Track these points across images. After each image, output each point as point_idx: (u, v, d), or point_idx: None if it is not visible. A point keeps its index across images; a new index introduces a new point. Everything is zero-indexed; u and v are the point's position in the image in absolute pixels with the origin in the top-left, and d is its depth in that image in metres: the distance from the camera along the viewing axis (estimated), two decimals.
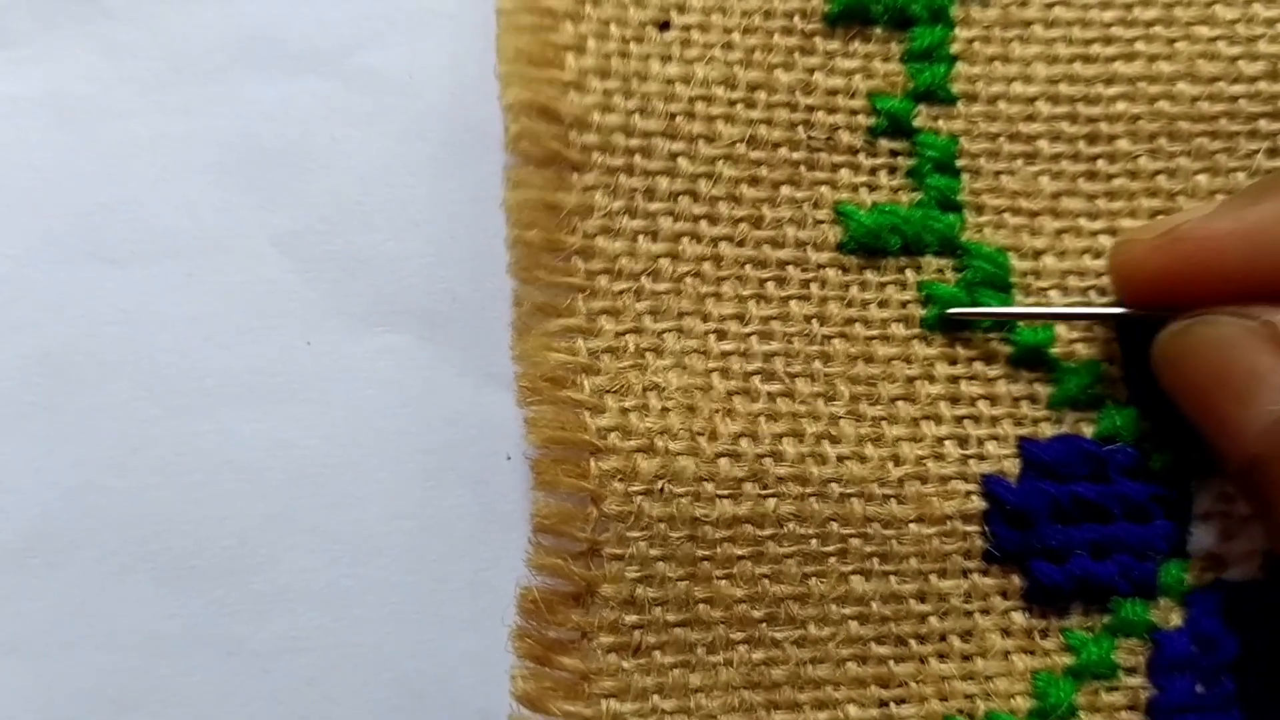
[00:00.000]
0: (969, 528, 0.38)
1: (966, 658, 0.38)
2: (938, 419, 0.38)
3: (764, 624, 0.37)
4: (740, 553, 0.37)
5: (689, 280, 0.38)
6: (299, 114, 0.40)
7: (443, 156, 0.40)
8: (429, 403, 0.39)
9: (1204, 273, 0.35)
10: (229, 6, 0.40)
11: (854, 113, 0.40)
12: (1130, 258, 0.37)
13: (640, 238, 0.38)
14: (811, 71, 0.40)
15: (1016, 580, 0.38)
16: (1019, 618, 0.38)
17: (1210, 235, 0.35)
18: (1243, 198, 0.36)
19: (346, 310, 0.39)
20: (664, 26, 0.39)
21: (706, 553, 0.36)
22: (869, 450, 0.38)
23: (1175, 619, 0.38)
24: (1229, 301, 0.35)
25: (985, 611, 0.38)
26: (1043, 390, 0.39)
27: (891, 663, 0.38)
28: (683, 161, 0.39)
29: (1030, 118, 0.40)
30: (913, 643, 0.38)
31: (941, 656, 0.38)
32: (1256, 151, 0.40)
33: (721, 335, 0.38)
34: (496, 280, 0.38)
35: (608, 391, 0.37)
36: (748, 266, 0.39)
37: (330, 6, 0.41)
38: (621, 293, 0.38)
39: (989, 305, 0.39)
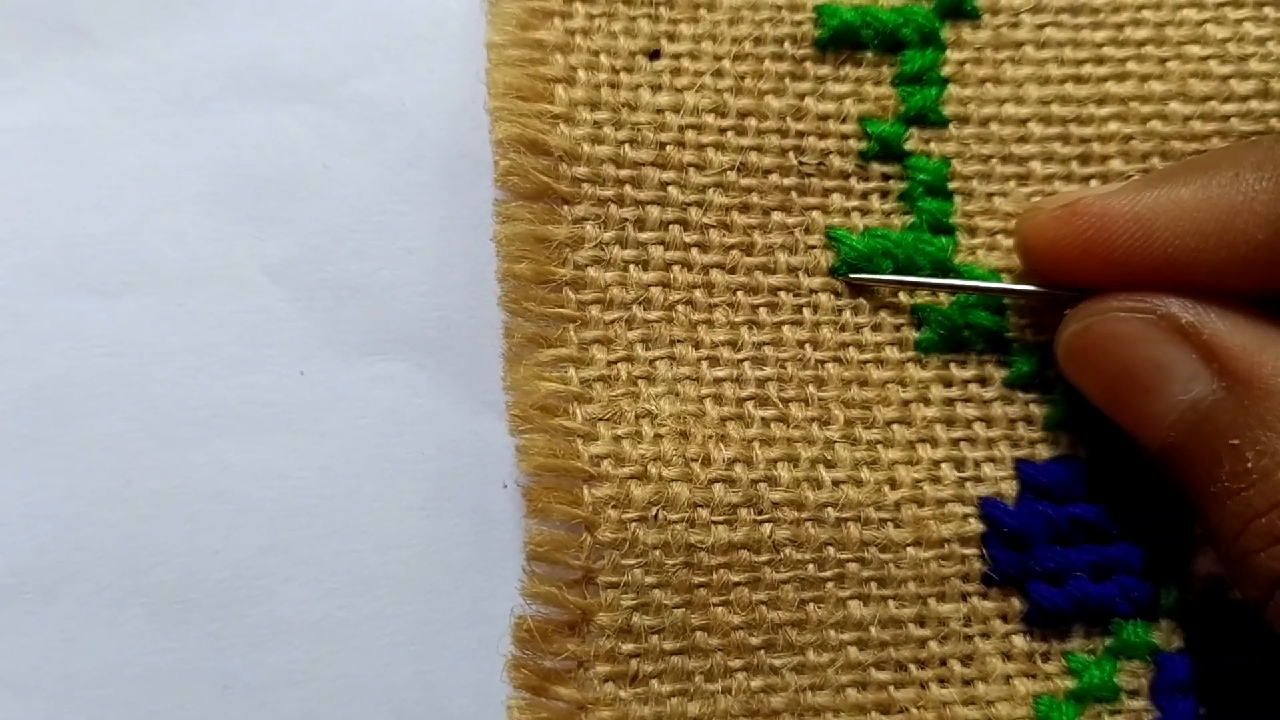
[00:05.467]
0: (967, 550, 0.38)
1: (967, 682, 0.38)
2: (934, 442, 0.38)
3: (762, 651, 0.37)
4: (737, 579, 0.36)
5: (681, 308, 0.38)
6: (291, 143, 0.40)
7: (436, 184, 0.40)
8: (424, 431, 0.39)
9: (1096, 249, 0.36)
10: (220, 36, 0.40)
11: (845, 137, 0.40)
12: (1031, 225, 0.38)
13: (631, 267, 0.38)
14: (802, 97, 0.40)
15: (1016, 603, 0.38)
16: (1020, 641, 0.38)
17: (1104, 213, 0.36)
18: (1143, 181, 0.36)
19: (340, 339, 0.39)
20: (654, 55, 0.39)
21: (703, 579, 0.36)
22: (865, 474, 0.37)
23: (1177, 640, 0.38)
24: (1121, 281, 0.35)
25: (985, 635, 0.38)
26: (1039, 411, 0.39)
27: (892, 688, 0.37)
28: (673, 190, 0.39)
29: (1022, 139, 0.40)
30: (913, 668, 0.37)
31: (942, 681, 0.37)
32: None
33: (714, 362, 0.38)
34: (491, 307, 0.38)
35: (600, 419, 0.37)
36: (740, 293, 0.39)
37: (322, 35, 0.41)
38: (613, 322, 0.38)
39: (984, 327, 0.39)
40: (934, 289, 0.39)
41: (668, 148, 0.39)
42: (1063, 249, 0.36)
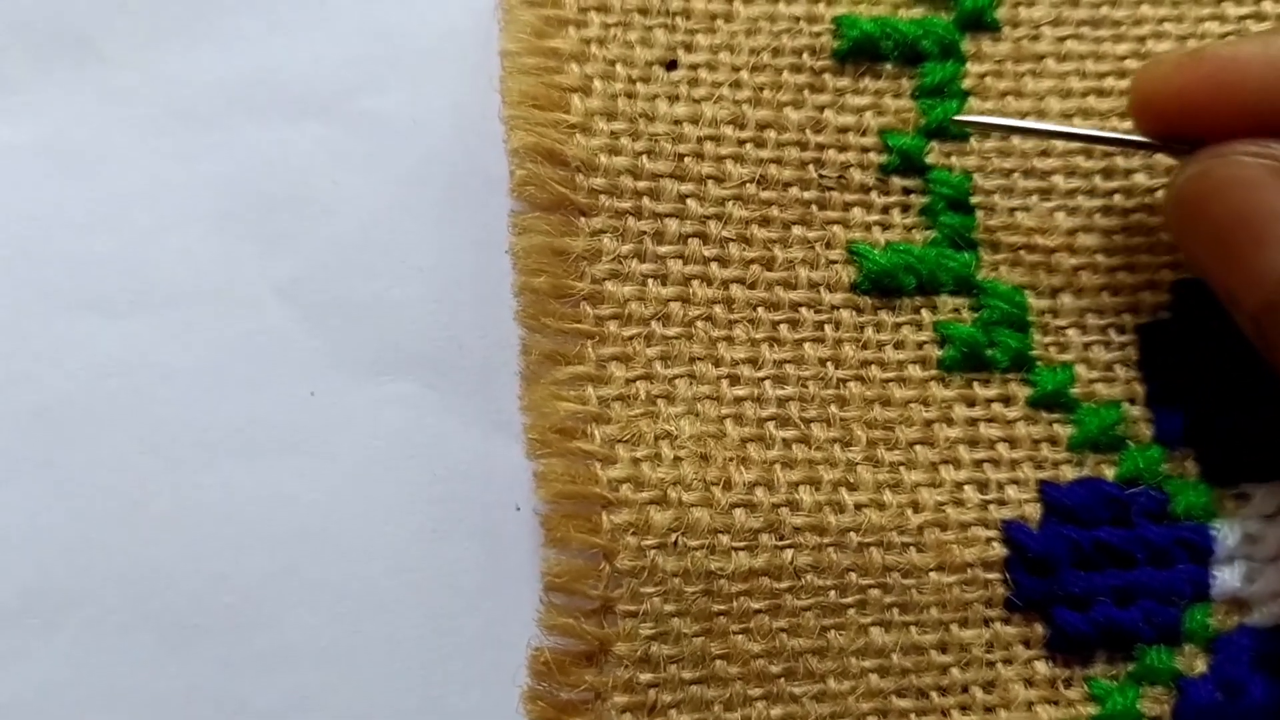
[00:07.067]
0: (990, 575, 0.37)
1: (989, 709, 0.37)
2: (957, 463, 0.38)
3: (782, 679, 0.36)
4: (757, 606, 0.36)
5: (700, 324, 0.37)
6: (300, 159, 0.39)
7: (446, 201, 0.39)
8: (435, 453, 0.38)
9: (1225, 94, 0.35)
10: (228, 51, 0.40)
11: (865, 150, 0.39)
12: (1154, 76, 0.36)
13: (650, 281, 0.37)
14: (822, 109, 0.39)
15: (1039, 629, 0.37)
16: (1042, 667, 0.37)
17: (1234, 56, 0.35)
18: (1273, 30, 0.36)
19: (350, 359, 0.39)
20: (671, 66, 0.39)
21: (722, 607, 0.36)
22: (887, 497, 0.37)
23: (1200, 665, 0.37)
24: (1247, 131, 0.34)
25: (1008, 661, 0.37)
26: (1062, 432, 0.38)
27: (913, 716, 0.37)
28: (692, 203, 0.38)
29: (1044, 153, 0.40)
30: (934, 695, 0.37)
31: (964, 709, 0.37)
32: None
33: (734, 380, 0.37)
34: (502, 327, 0.38)
35: (619, 441, 0.36)
36: (760, 309, 0.38)
37: (330, 50, 0.40)
38: (631, 338, 0.37)
39: (1008, 344, 0.38)
40: (1047, 136, 0.39)
41: (686, 159, 0.38)
42: (1189, 96, 0.35)
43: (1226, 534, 0.38)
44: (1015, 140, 0.40)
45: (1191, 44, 0.40)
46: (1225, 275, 0.35)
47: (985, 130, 0.39)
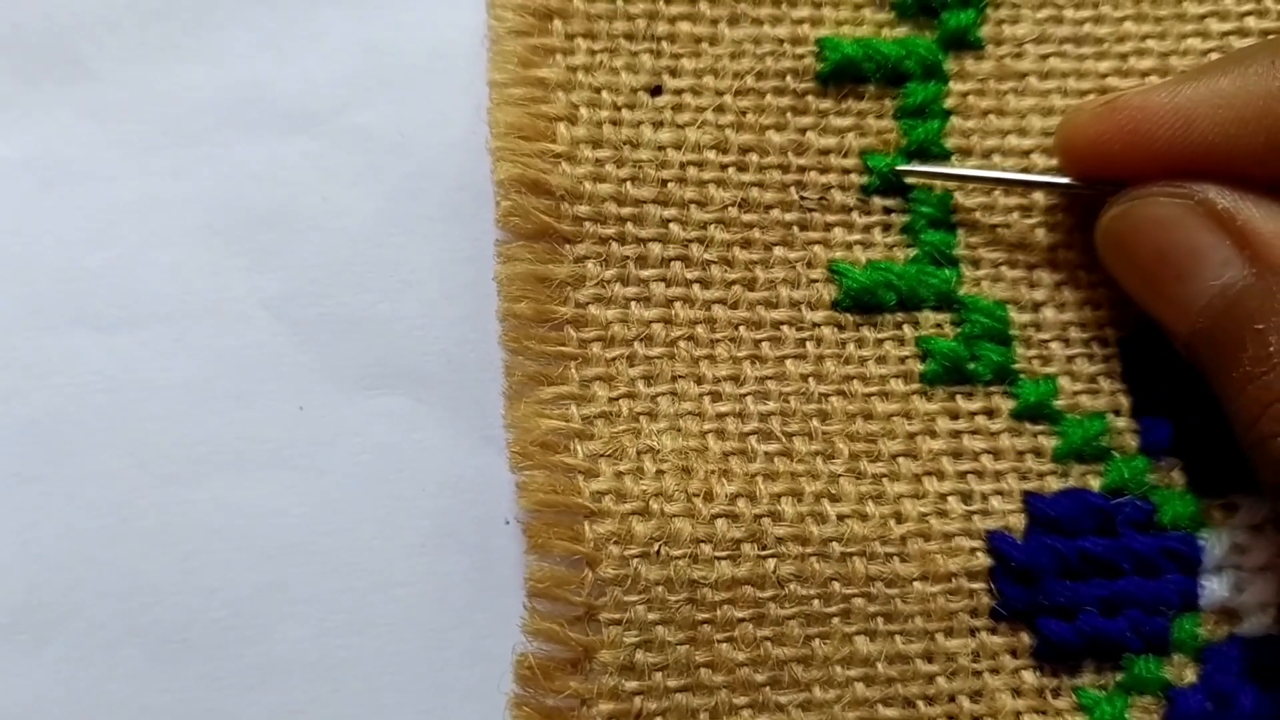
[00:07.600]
0: (975, 585, 0.37)
1: (977, 719, 0.37)
2: (940, 475, 0.38)
3: (767, 687, 0.36)
4: (741, 615, 0.36)
5: (682, 344, 0.38)
6: (289, 175, 0.40)
7: (435, 216, 0.40)
8: (424, 467, 0.39)
9: (1137, 141, 0.36)
10: (217, 67, 0.40)
11: (846, 172, 0.40)
12: (1073, 125, 0.38)
13: (633, 304, 0.38)
14: (804, 131, 0.40)
15: (1026, 638, 0.37)
16: (1029, 677, 0.37)
17: (1145, 106, 0.36)
18: (1182, 76, 0.37)
19: (339, 373, 0.39)
20: (656, 91, 0.39)
21: (706, 615, 0.36)
22: (870, 508, 0.37)
23: (1189, 675, 0.37)
24: (1161, 174, 0.36)
25: (995, 671, 0.37)
26: (1047, 443, 0.38)
27: None
28: (675, 227, 0.39)
29: (1025, 170, 0.40)
30: (921, 704, 0.37)
31: (951, 718, 0.37)
32: None
33: (717, 397, 0.38)
34: (492, 340, 0.38)
35: (601, 456, 0.37)
36: (742, 328, 0.38)
37: (320, 66, 0.41)
38: (615, 359, 0.38)
39: (990, 358, 0.38)
40: (980, 183, 0.40)
41: (669, 185, 0.39)
42: (1104, 144, 0.37)
43: (1214, 544, 0.38)
44: (996, 159, 0.40)
45: (1175, 61, 0.41)
46: (1154, 307, 0.37)
47: (928, 180, 0.40)
